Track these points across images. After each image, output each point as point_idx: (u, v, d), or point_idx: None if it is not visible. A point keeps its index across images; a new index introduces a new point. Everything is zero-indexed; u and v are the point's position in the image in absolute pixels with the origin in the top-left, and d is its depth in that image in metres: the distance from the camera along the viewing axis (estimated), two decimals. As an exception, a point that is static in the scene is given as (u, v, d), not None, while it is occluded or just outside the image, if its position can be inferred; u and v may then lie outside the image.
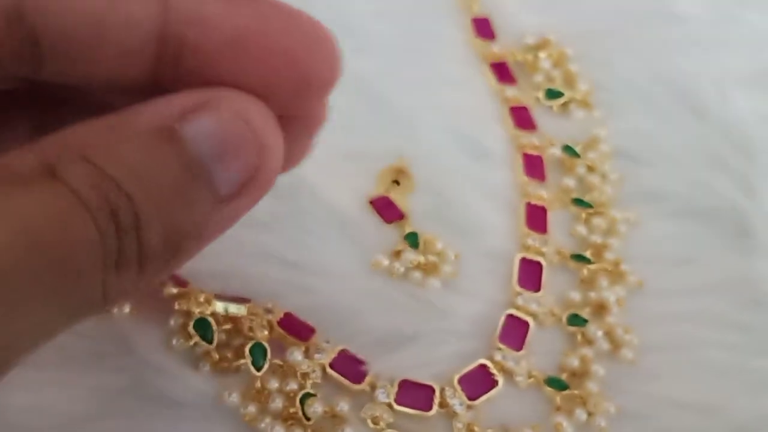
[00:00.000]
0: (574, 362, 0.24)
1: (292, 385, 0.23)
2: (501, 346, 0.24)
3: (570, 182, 0.28)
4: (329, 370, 0.23)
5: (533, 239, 0.26)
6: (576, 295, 0.26)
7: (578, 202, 0.28)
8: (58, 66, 0.15)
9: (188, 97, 0.14)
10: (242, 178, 0.14)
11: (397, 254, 0.26)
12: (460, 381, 0.23)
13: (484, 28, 0.31)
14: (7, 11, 0.15)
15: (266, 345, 0.23)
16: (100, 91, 0.16)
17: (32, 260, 0.12)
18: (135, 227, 0.13)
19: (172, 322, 0.23)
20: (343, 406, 0.23)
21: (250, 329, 0.24)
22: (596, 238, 0.27)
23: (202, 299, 0.23)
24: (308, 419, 0.23)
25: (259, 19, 0.15)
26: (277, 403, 0.23)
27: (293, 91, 0.15)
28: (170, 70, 0.15)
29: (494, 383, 0.23)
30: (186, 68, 0.15)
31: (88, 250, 0.13)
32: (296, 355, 0.23)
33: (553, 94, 0.30)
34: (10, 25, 0.15)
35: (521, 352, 0.24)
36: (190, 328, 0.23)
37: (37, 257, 0.12)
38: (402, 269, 0.25)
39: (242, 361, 0.23)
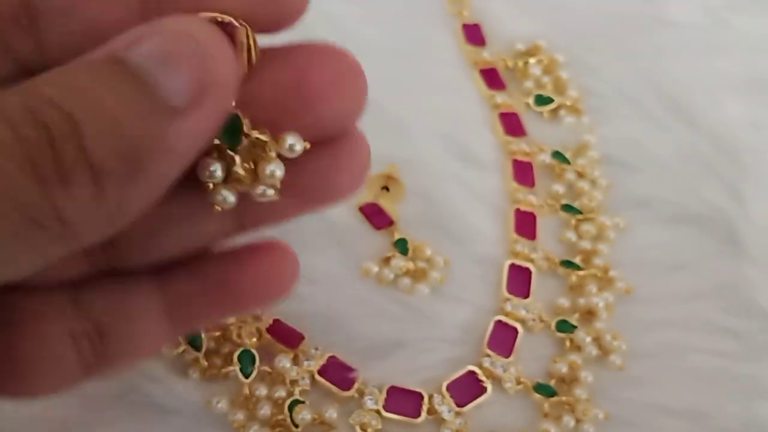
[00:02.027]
0: (563, 368, 0.24)
1: (281, 392, 0.23)
2: (489, 352, 0.24)
3: (559, 188, 0.28)
4: (318, 377, 0.23)
5: (522, 245, 0.26)
6: (565, 302, 0.26)
7: (567, 208, 0.28)
8: (55, 26, 0.15)
9: (136, 30, 0.14)
10: (191, 88, 0.14)
11: (386, 261, 0.26)
12: (448, 387, 0.23)
13: (474, 34, 0.31)
14: None
15: (255, 352, 0.23)
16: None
17: None
18: (76, 137, 0.13)
19: (160, 329, 0.23)
20: (332, 413, 0.23)
21: (239, 336, 0.24)
22: (585, 244, 0.27)
23: (190, 306, 0.23)
24: (296, 426, 0.23)
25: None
26: (266, 410, 0.23)
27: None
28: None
29: (483, 390, 0.24)
30: None
31: (5, 160, 0.13)
32: (285, 362, 0.23)
33: (542, 101, 0.30)
34: None
35: (510, 359, 0.24)
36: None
37: None
38: (391, 276, 0.25)
39: (231, 368, 0.23)
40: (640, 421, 0.24)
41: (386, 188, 0.27)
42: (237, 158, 0.16)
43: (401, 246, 0.26)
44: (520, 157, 0.28)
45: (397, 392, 0.23)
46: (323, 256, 0.25)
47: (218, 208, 0.16)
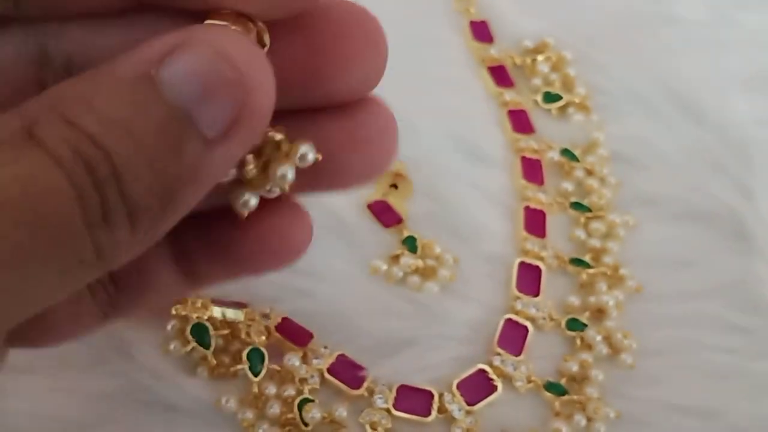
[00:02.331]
0: (573, 367, 0.24)
1: (290, 391, 0.23)
2: (500, 350, 0.24)
3: (568, 186, 0.28)
4: (327, 376, 0.23)
5: (532, 243, 0.26)
6: (575, 300, 0.26)
7: (577, 205, 0.28)
8: None
9: (168, 39, 0.14)
10: (227, 119, 0.13)
11: (395, 259, 0.25)
12: (458, 386, 0.23)
13: (482, 31, 0.31)
14: None
15: (264, 350, 0.23)
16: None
17: (2, 223, 0.12)
18: (115, 179, 0.13)
19: (169, 327, 0.23)
20: (342, 411, 0.23)
21: (248, 334, 0.23)
22: (595, 242, 0.27)
23: (199, 304, 0.23)
24: (306, 425, 0.22)
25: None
26: (275, 409, 0.23)
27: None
28: None
29: (493, 388, 0.23)
30: None
31: (64, 206, 0.13)
32: (294, 360, 0.23)
33: (551, 98, 0.30)
34: None
35: (520, 357, 0.24)
36: (188, 333, 0.23)
37: (7, 220, 0.12)
38: (400, 274, 0.25)
39: (239, 366, 0.23)
40: (651, 419, 0.24)
41: (395, 186, 0.27)
42: (249, 156, 0.15)
43: (410, 244, 0.26)
44: (528, 155, 0.28)
45: (407, 391, 0.23)
46: (332, 254, 0.25)
47: (244, 213, 0.16)
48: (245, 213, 0.16)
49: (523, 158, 0.28)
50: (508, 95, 0.30)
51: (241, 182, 0.16)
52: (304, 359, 0.23)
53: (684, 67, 0.31)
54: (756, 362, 0.25)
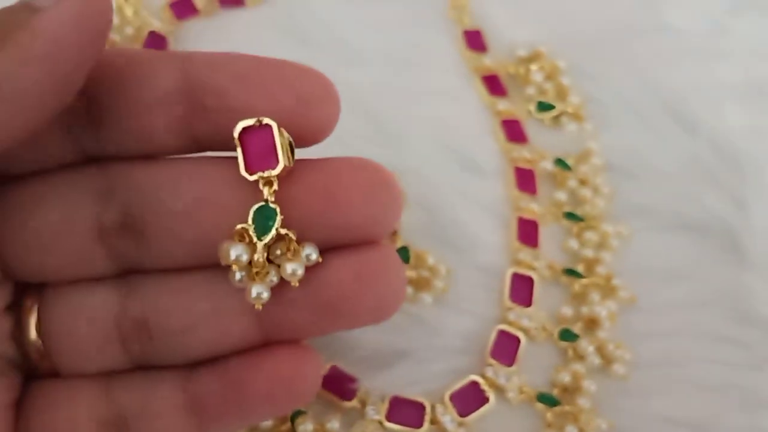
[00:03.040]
0: (566, 378, 0.24)
1: (283, 403, 0.23)
2: (492, 362, 0.24)
3: (562, 196, 0.28)
4: (320, 387, 0.23)
5: (525, 254, 0.26)
6: (568, 310, 0.26)
7: (570, 215, 0.28)
8: (113, 123, 0.18)
9: None
10: None
11: (388, 269, 0.25)
12: (451, 398, 0.23)
13: (475, 40, 0.31)
14: None
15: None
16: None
17: None
18: None
19: None
20: (334, 423, 0.23)
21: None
22: (588, 253, 0.27)
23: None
24: (298, 437, 0.22)
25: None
26: (268, 421, 0.23)
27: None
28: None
29: (485, 400, 0.23)
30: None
31: None
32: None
33: (544, 107, 0.30)
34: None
35: (513, 368, 0.24)
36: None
37: None
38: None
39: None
40: (644, 431, 0.24)
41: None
42: (260, 245, 0.17)
43: (403, 255, 0.26)
44: (522, 165, 0.28)
45: (400, 402, 0.23)
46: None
47: (258, 306, 0.17)
48: (259, 305, 0.17)
49: (517, 168, 0.28)
50: (502, 105, 0.30)
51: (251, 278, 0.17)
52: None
53: (677, 77, 0.31)
54: (749, 374, 0.25)
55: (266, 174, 0.17)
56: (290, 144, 0.18)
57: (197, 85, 0.18)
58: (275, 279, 0.17)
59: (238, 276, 0.17)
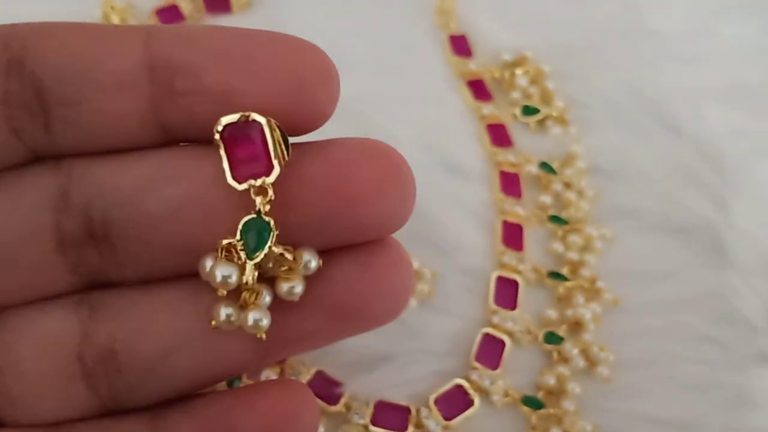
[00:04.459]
0: (551, 380, 0.24)
1: (268, 408, 0.23)
2: (477, 365, 0.24)
3: (546, 199, 0.28)
4: (305, 392, 0.23)
5: (510, 257, 0.26)
6: (552, 313, 0.26)
7: (555, 219, 0.28)
8: (65, 114, 0.15)
9: None
10: None
11: (373, 274, 0.25)
12: (436, 401, 0.23)
13: (461, 45, 0.31)
14: (7, 62, 0.15)
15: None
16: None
17: None
18: None
19: None
20: (319, 428, 0.23)
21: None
22: (573, 255, 0.27)
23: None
24: (284, 442, 0.22)
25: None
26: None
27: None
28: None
29: (470, 403, 0.23)
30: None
31: None
32: (271, 376, 0.23)
33: (529, 111, 0.30)
34: (11, 75, 0.15)
35: (497, 371, 0.24)
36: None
37: None
38: (378, 289, 0.25)
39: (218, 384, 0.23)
40: (628, 431, 0.24)
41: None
42: (249, 265, 0.14)
43: (388, 259, 0.26)
44: (507, 168, 0.29)
45: (385, 406, 0.23)
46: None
47: (261, 334, 0.15)
48: (261, 333, 0.15)
49: (502, 172, 0.28)
50: (487, 109, 0.30)
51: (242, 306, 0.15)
52: (282, 376, 0.23)
53: (661, 79, 0.31)
54: (732, 374, 0.25)
55: (258, 183, 0.14)
56: (283, 137, 0.15)
57: (165, 63, 0.15)
58: (268, 299, 0.15)
59: (223, 315, 0.15)
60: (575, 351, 0.25)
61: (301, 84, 0.15)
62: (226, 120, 0.14)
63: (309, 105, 0.15)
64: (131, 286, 0.16)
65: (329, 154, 0.15)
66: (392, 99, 0.30)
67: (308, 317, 0.15)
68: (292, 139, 0.15)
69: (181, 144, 0.16)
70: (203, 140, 0.15)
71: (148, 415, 0.16)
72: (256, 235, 0.14)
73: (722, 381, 0.25)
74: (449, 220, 0.27)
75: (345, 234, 0.15)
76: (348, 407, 0.23)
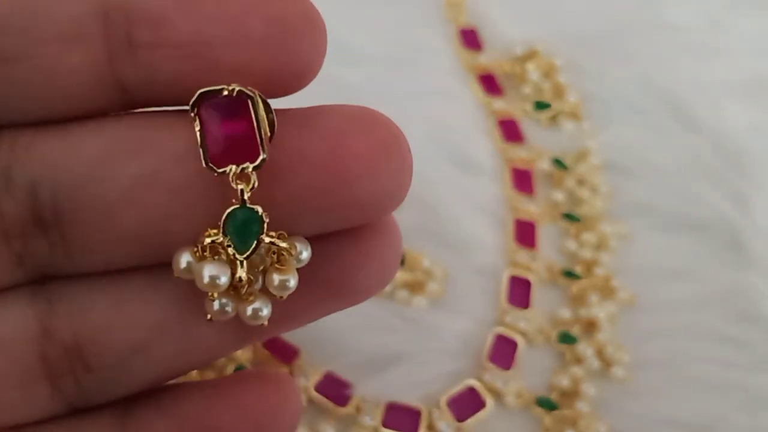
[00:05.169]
0: (564, 381, 0.24)
1: (276, 409, 0.22)
2: (490, 365, 0.24)
3: (559, 196, 0.28)
4: (314, 393, 0.23)
5: (522, 255, 0.26)
6: (566, 313, 0.25)
7: (568, 216, 0.27)
8: None
9: None
10: None
11: (383, 272, 0.25)
12: (448, 403, 0.23)
13: (471, 39, 0.31)
14: None
15: (249, 367, 0.23)
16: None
17: None
18: None
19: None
20: (328, 430, 0.22)
21: (233, 352, 0.23)
22: (586, 254, 0.26)
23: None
24: (292, 444, 0.22)
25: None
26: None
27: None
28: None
29: (483, 404, 0.23)
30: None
31: None
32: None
33: (541, 106, 0.30)
34: None
35: (510, 372, 0.24)
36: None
37: None
38: (388, 288, 0.25)
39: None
40: (644, 434, 0.23)
41: (382, 198, 0.27)
42: (243, 262, 0.13)
43: (398, 257, 0.25)
44: (518, 165, 0.28)
45: (395, 408, 0.23)
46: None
47: (259, 323, 0.14)
48: (261, 323, 0.14)
49: (513, 168, 0.28)
50: (498, 104, 0.29)
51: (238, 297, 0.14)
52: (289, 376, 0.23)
53: (677, 74, 0.30)
54: (751, 375, 0.24)
55: (240, 169, 0.13)
56: (268, 109, 0.13)
57: (121, 9, 0.12)
58: (263, 311, 0.14)
59: (217, 306, 0.13)
60: (589, 351, 0.24)
61: (283, 31, 0.13)
62: (203, 90, 0.12)
63: (293, 56, 0.13)
64: (92, 277, 0.14)
65: (317, 123, 0.13)
66: (401, 93, 0.29)
67: (295, 297, 0.14)
68: (273, 103, 0.13)
69: (147, 110, 0.14)
70: (170, 104, 0.13)
71: (118, 412, 0.14)
72: (243, 227, 0.13)
73: (742, 382, 0.24)
74: (460, 218, 0.27)
75: (337, 218, 0.13)
76: (358, 409, 0.23)
